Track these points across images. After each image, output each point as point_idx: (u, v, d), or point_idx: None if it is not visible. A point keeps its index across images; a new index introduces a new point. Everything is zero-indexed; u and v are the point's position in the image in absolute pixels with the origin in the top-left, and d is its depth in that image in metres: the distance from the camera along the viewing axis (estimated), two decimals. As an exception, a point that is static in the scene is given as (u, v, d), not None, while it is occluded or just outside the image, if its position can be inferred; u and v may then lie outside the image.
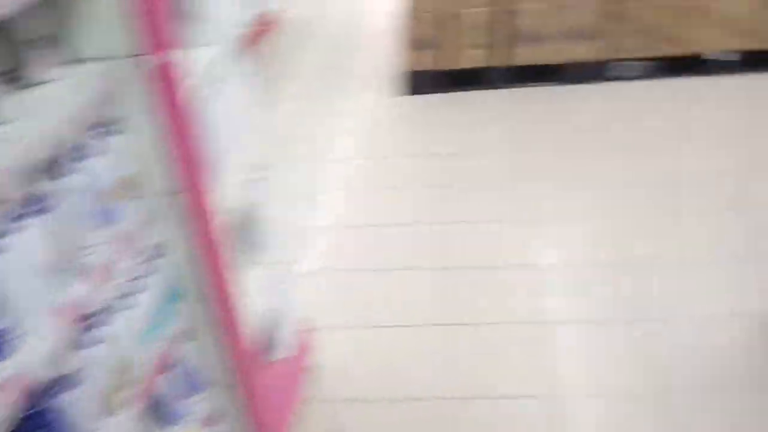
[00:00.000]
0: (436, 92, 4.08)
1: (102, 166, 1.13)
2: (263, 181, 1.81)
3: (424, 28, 3.89)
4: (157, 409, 1.35)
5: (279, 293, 1.93)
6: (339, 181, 3.36)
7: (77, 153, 1.09)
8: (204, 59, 1.42)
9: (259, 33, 4.79)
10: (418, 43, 3.95)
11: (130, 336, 1.21)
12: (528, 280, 2.51)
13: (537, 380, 2.10)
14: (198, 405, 1.52)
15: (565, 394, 2.05)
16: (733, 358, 2.11)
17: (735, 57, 3.90)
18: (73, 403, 1.03)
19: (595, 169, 3.19)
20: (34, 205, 0.97)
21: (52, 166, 1.04)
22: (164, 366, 1.36)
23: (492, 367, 2.16)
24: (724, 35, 3.85)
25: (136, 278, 1.24)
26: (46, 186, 1.02)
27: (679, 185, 3.00)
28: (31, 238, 0.95)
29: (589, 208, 2.92)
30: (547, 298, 2.42)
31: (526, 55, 3.95)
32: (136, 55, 1.13)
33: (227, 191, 1.51)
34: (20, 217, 0.94)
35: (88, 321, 1.10)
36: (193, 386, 1.51)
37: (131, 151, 1.21)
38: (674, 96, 3.80)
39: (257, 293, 1.78)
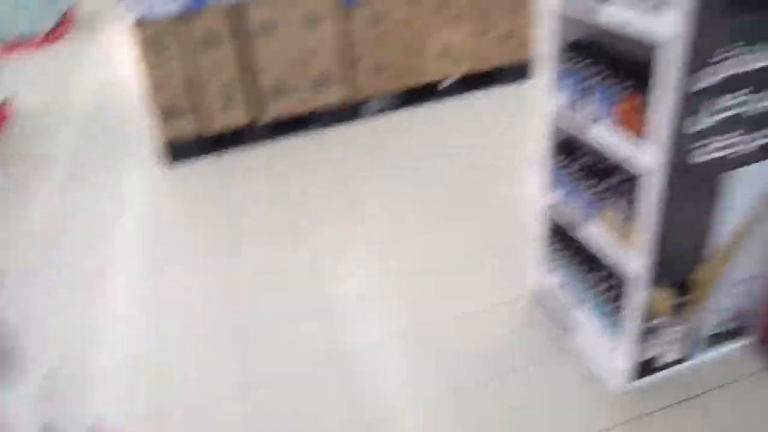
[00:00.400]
0: (200, 157, 4.10)
1: None
2: (15, 288, 1.70)
3: (174, 97, 3.91)
4: None
5: (60, 403, 1.82)
6: (116, 266, 3.21)
7: None
8: None
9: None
10: (172, 112, 3.95)
11: None
12: (323, 320, 2.64)
13: (351, 416, 2.20)
14: None
15: (361, 417, 2.18)
16: (510, 342, 2.41)
17: (456, 81, 4.54)
18: None
19: (361, 201, 3.47)
20: None
21: None
22: None
23: (305, 415, 2.24)
24: (447, 63, 4.46)
25: None
26: None
27: (429, 200, 3.39)
28: None
29: (363, 237, 3.16)
30: (340, 332, 2.57)
31: (278, 109, 4.16)
32: None
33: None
34: None
35: None
36: None
37: None
38: (415, 122, 4.30)
39: (30, 410, 1.66)
